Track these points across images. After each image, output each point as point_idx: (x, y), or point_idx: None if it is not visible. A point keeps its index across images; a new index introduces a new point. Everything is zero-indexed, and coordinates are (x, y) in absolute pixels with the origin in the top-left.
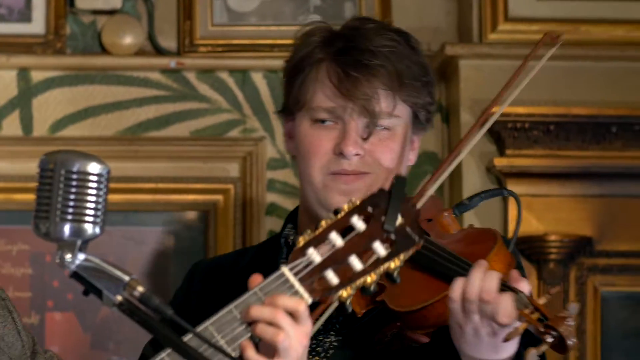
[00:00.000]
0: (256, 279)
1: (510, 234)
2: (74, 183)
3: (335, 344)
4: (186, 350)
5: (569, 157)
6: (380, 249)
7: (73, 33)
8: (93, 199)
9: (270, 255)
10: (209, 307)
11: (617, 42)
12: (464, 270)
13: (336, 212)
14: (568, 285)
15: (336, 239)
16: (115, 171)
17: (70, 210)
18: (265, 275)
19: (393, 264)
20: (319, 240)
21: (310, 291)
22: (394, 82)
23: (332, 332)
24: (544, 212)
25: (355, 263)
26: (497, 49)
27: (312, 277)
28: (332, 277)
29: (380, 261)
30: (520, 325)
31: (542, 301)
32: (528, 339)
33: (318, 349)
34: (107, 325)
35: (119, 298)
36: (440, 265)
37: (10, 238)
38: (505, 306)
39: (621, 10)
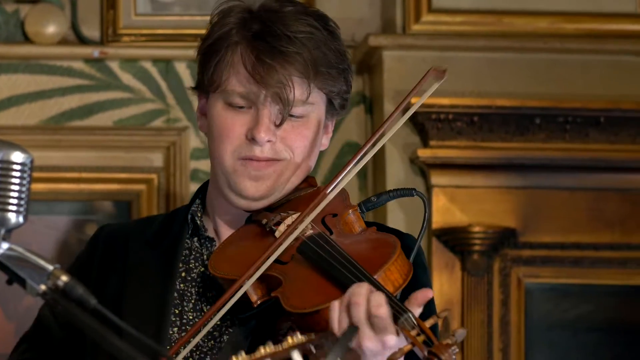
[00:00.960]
0: None
1: (434, 225)
2: None
3: (230, 329)
4: (110, 340)
5: (492, 149)
6: None
7: None
8: (16, 187)
9: (176, 229)
10: (109, 272)
11: (540, 33)
12: (359, 280)
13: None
14: (492, 276)
15: None
16: (38, 160)
17: None
18: (168, 249)
19: None
20: None
21: None
22: (309, 69)
23: (227, 317)
24: (468, 204)
25: None
26: (420, 40)
27: None
28: None
29: None
30: (405, 346)
31: (429, 324)
32: None
33: (214, 332)
34: (31, 314)
35: (43, 287)
36: (337, 270)
37: None
38: (376, 297)
39: (544, 2)
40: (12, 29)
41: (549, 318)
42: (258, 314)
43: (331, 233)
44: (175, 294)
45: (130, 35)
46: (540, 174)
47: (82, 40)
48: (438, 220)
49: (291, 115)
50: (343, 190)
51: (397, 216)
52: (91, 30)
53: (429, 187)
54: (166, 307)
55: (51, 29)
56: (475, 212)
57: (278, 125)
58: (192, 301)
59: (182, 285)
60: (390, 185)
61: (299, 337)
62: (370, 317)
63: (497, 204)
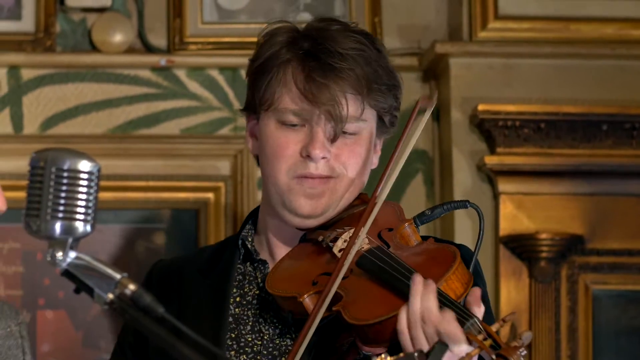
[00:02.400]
0: None
1: (501, 232)
2: (65, 181)
3: (290, 347)
4: (179, 349)
5: (559, 155)
6: None
7: (63, 31)
8: (84, 196)
9: (227, 256)
10: (165, 306)
11: (607, 40)
12: None
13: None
14: (559, 283)
15: None
16: (105, 169)
17: (61, 208)
18: (220, 276)
19: None
20: None
21: None
22: (362, 86)
23: (288, 336)
24: (534, 211)
25: None
26: (487, 47)
27: None
28: None
29: None
30: (472, 351)
31: (495, 328)
32: None
33: (274, 352)
34: (98, 323)
35: (110, 296)
36: (399, 281)
37: (1, 236)
38: (447, 325)
39: (611, 8)
40: (79, 37)
41: (617, 325)
42: (318, 330)
43: (388, 246)
44: (231, 319)
45: (196, 43)
46: (607, 181)
47: (149, 49)
48: (505, 227)
49: (344, 132)
50: (397, 206)
51: (463, 224)
52: (158, 39)
53: (496, 194)
54: (221, 332)
55: (118, 38)
56: (542, 219)
57: (332, 142)
58: (250, 324)
59: (237, 309)
60: (458, 192)
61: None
62: (440, 335)
63: (564, 211)
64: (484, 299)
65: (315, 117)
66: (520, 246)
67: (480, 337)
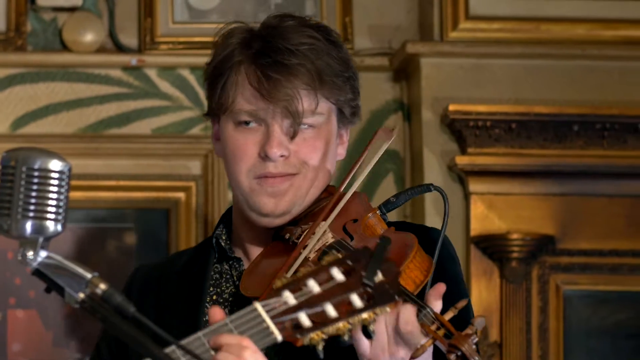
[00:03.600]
0: (218, 312)
1: (472, 232)
2: (36, 180)
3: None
4: (149, 349)
5: (530, 156)
6: (357, 300)
7: (34, 30)
8: (54, 196)
9: (204, 256)
10: (145, 310)
11: (578, 40)
12: None
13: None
14: (530, 283)
15: (314, 286)
16: (76, 168)
17: (32, 207)
18: (196, 275)
19: (368, 316)
20: (296, 285)
21: (281, 329)
22: (315, 80)
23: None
24: (505, 211)
25: (330, 310)
26: (458, 47)
27: (285, 317)
28: (304, 319)
29: (355, 312)
30: (426, 342)
31: (448, 317)
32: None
33: None
34: (69, 323)
35: (81, 296)
36: None
37: None
38: (405, 312)
39: (582, 8)
40: (50, 37)
41: (588, 325)
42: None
43: (352, 239)
44: (206, 317)
45: (167, 43)
46: (578, 181)
47: (120, 48)
48: (476, 228)
49: (302, 127)
50: (362, 195)
51: (433, 215)
52: (129, 38)
53: (467, 194)
54: (197, 330)
55: (89, 37)
56: (514, 219)
57: (291, 139)
58: None
59: None
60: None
61: (335, 254)
62: (400, 333)
63: (535, 211)
64: (458, 279)
65: (270, 115)
66: (491, 246)
67: (433, 327)
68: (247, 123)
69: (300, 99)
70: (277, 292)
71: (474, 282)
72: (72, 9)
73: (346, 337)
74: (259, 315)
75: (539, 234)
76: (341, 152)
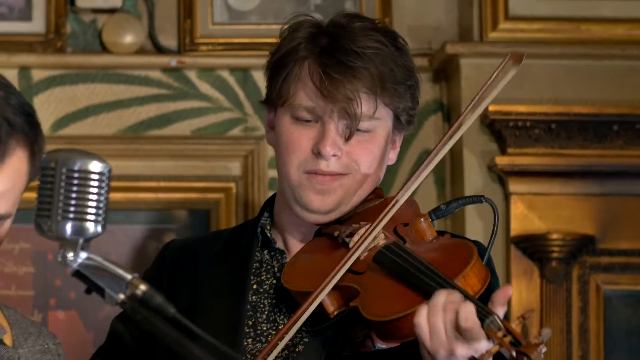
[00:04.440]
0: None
1: (512, 232)
2: (76, 182)
3: (305, 339)
4: (190, 349)
5: (570, 156)
6: None
7: (73, 32)
8: (94, 197)
9: (245, 242)
10: (178, 288)
11: (617, 40)
12: (439, 285)
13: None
14: (571, 283)
15: None
16: (116, 170)
17: (72, 208)
18: (238, 262)
19: None
20: None
21: None
22: (376, 85)
23: (302, 328)
24: (546, 211)
25: None
26: (497, 47)
27: None
28: None
29: None
30: (492, 348)
31: (514, 325)
32: None
33: (288, 342)
34: (109, 323)
35: (122, 297)
36: (416, 277)
37: (12, 237)
38: (465, 309)
39: (621, 8)
40: (90, 38)
41: (628, 325)
42: (334, 324)
43: (405, 242)
44: (248, 306)
45: (207, 44)
46: (618, 181)
47: (160, 50)
48: (516, 228)
49: (358, 130)
50: (413, 201)
51: (475, 223)
52: (168, 40)
53: (507, 195)
54: (240, 319)
55: (128, 39)
56: (554, 219)
57: (346, 140)
58: (266, 312)
59: (254, 297)
60: (468, 193)
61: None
62: (460, 330)
63: (575, 211)
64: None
65: (328, 114)
66: (531, 246)
67: (499, 334)
68: (303, 120)
69: (359, 102)
70: None
71: (514, 282)
72: (111, 11)
73: None
74: None
75: (579, 234)
76: (392, 157)
